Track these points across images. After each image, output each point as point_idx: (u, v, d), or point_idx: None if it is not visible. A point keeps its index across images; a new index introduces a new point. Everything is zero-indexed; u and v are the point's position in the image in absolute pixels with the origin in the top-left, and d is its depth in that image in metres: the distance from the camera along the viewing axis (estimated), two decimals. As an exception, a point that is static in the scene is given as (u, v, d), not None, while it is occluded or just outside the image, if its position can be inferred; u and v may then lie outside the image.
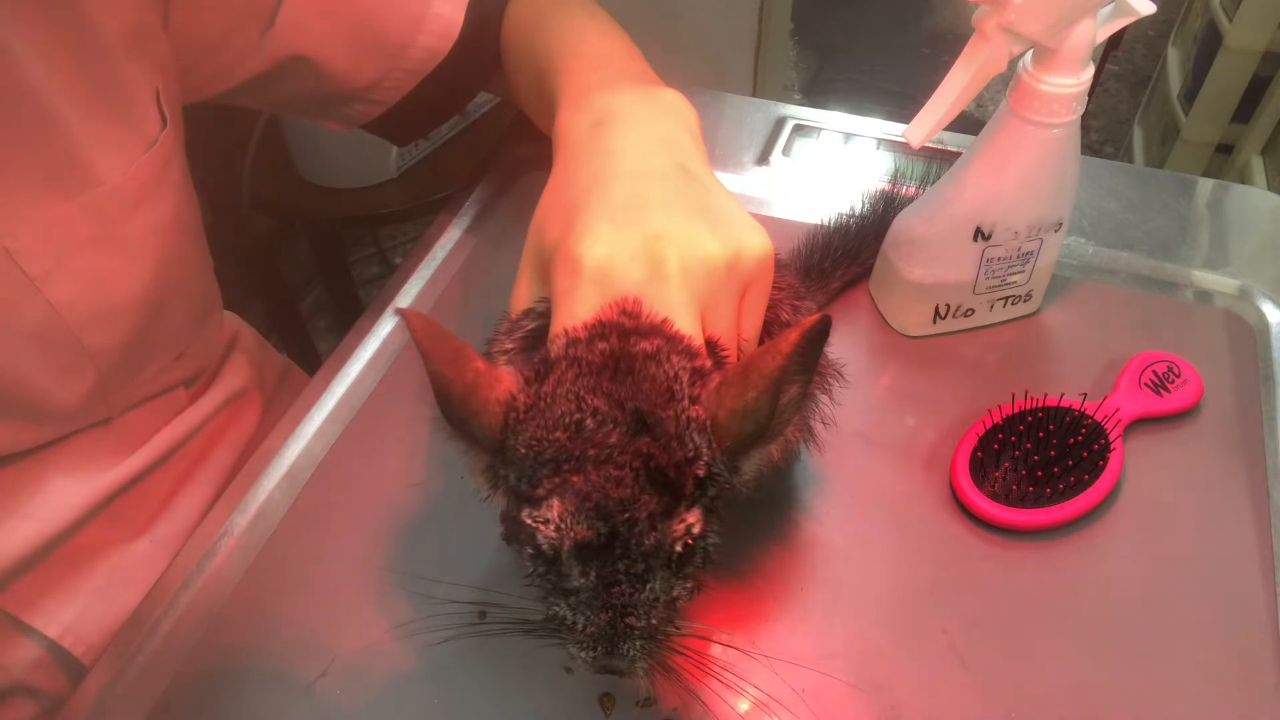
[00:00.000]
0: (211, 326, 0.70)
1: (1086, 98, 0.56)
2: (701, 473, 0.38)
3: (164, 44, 0.57)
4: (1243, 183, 1.17)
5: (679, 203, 0.44)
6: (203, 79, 0.62)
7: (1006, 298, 0.66)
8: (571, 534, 0.37)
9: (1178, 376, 0.62)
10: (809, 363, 0.38)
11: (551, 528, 0.37)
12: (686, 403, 0.39)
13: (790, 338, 0.37)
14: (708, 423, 0.39)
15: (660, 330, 0.41)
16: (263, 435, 0.72)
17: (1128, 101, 2.41)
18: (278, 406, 0.78)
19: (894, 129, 0.82)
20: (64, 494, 0.59)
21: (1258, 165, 1.55)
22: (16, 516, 0.57)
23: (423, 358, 0.39)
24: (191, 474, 0.68)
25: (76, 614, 0.60)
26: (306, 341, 1.63)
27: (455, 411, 0.39)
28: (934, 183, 0.64)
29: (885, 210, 0.69)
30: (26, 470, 0.57)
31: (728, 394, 0.39)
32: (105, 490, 0.61)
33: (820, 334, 0.37)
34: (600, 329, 0.41)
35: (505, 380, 0.40)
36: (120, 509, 0.63)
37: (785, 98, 2.00)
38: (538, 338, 0.46)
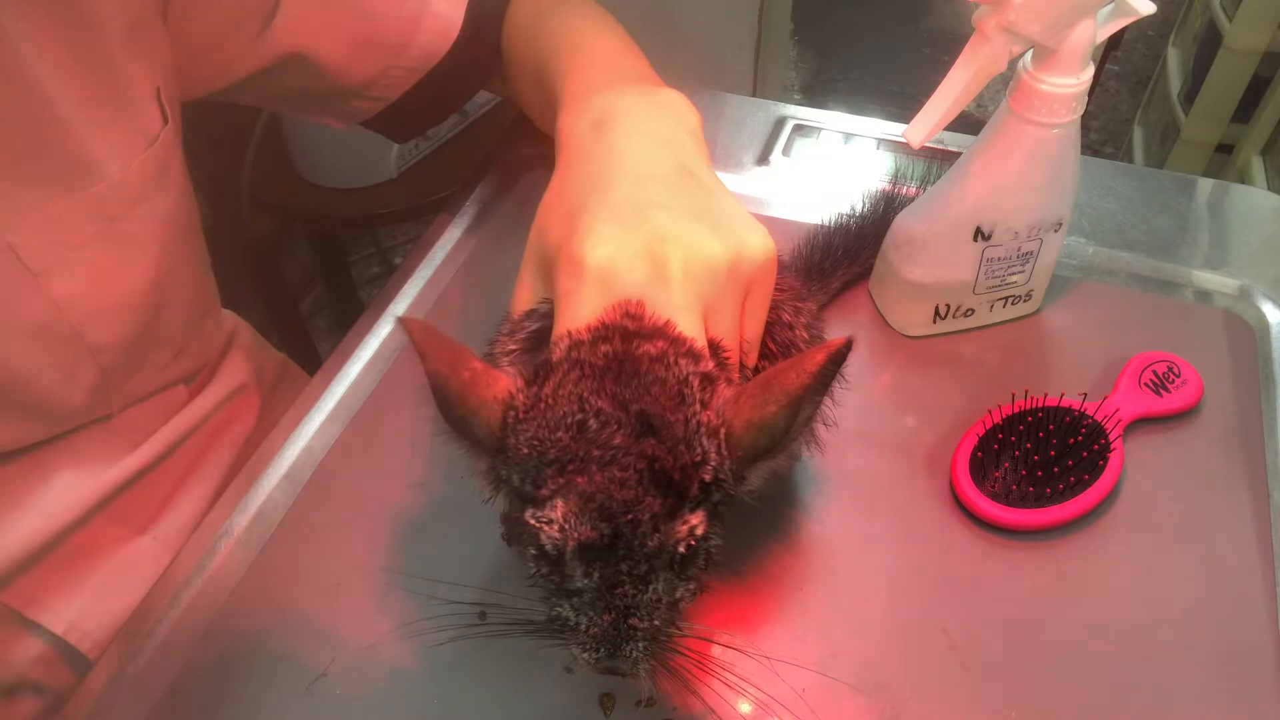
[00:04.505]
0: (210, 324, 0.70)
1: (1086, 98, 0.56)
2: (708, 477, 0.38)
3: (164, 41, 0.57)
4: (1243, 183, 1.17)
5: (681, 204, 0.45)
6: (202, 76, 0.62)
7: (1006, 298, 0.66)
8: (575, 534, 0.37)
9: (1178, 376, 0.62)
10: (828, 383, 0.38)
11: (555, 528, 0.37)
12: (697, 407, 0.39)
13: (816, 357, 0.37)
14: (720, 429, 0.39)
15: (663, 332, 0.41)
16: (261, 432, 0.73)
17: (1128, 101, 2.42)
18: (276, 403, 0.78)
19: (894, 129, 0.82)
20: (67, 490, 0.59)
21: (1258, 165, 1.55)
22: (20, 512, 0.57)
23: (420, 358, 0.39)
24: (192, 471, 0.69)
25: (80, 610, 0.60)
26: (306, 341, 1.63)
27: (453, 410, 0.39)
28: (934, 183, 0.64)
29: (885, 210, 0.69)
30: (30, 467, 0.57)
31: (746, 405, 0.39)
32: (107, 487, 0.61)
33: (843, 356, 0.37)
34: (603, 331, 0.41)
35: (504, 380, 0.40)
36: (122, 505, 0.63)
37: (785, 98, 2.00)
38: (540, 339, 0.46)
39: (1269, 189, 1.44)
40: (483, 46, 0.69)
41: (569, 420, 0.38)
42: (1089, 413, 0.58)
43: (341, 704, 0.50)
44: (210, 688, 0.51)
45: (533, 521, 0.38)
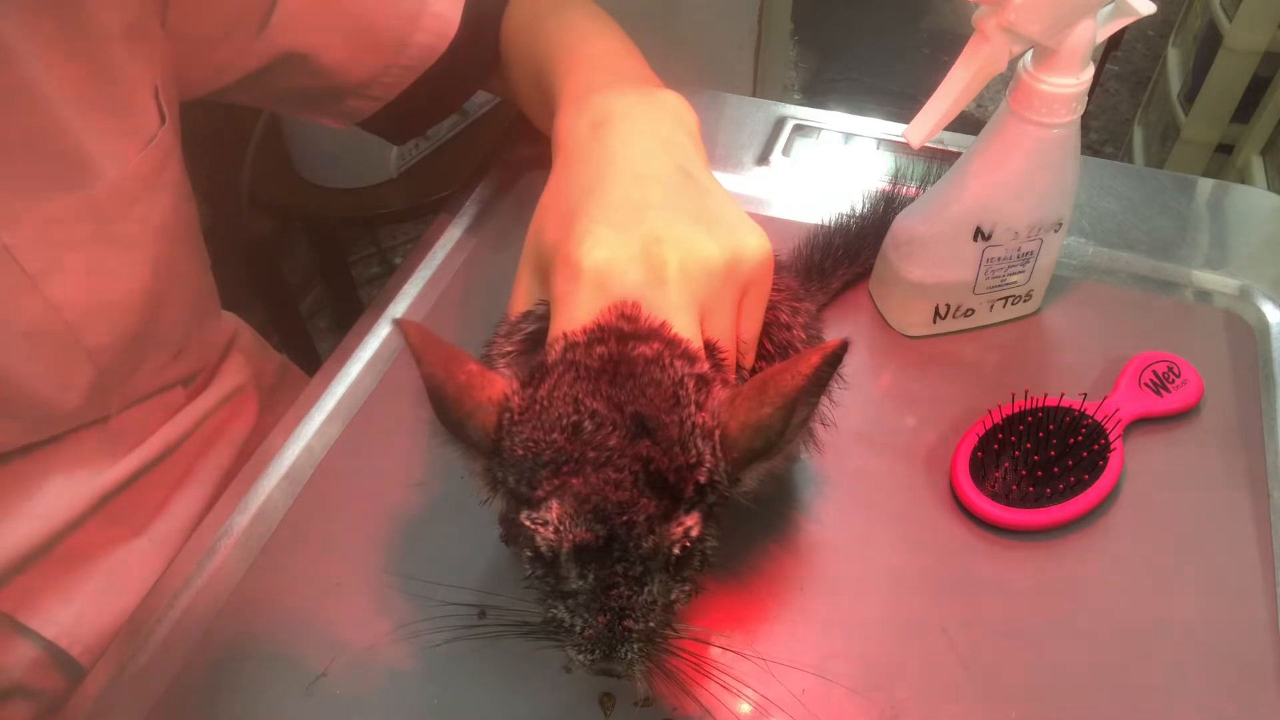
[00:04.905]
0: (209, 326, 0.70)
1: (1086, 98, 0.56)
2: (703, 479, 0.38)
3: (162, 41, 0.57)
4: (1243, 183, 1.17)
5: (678, 205, 0.44)
6: (200, 75, 0.62)
7: (1006, 298, 0.66)
8: (570, 536, 0.37)
9: (1178, 376, 0.62)
10: (823, 384, 0.38)
11: (550, 530, 0.37)
12: (693, 409, 0.39)
13: (812, 359, 0.37)
14: (716, 431, 0.39)
15: (659, 334, 0.41)
16: (260, 434, 0.72)
17: (1128, 101, 2.41)
18: (276, 405, 0.78)
19: (894, 129, 0.82)
20: (62, 493, 0.59)
21: (1258, 165, 1.55)
22: (15, 515, 0.57)
23: (416, 361, 0.39)
24: (189, 473, 0.68)
25: (75, 615, 0.60)
26: (306, 341, 1.63)
27: (449, 413, 0.39)
28: (934, 183, 0.64)
29: (885, 210, 0.69)
30: (25, 469, 0.57)
31: (741, 407, 0.39)
32: (103, 489, 0.61)
33: (839, 358, 0.37)
34: (599, 333, 0.41)
35: (499, 382, 0.40)
36: (118, 508, 0.63)
37: (785, 98, 2.00)
38: (537, 340, 0.46)
39: (1269, 189, 1.44)
40: (481, 46, 0.69)
41: (564, 422, 0.38)
42: (1089, 413, 0.58)
43: (341, 704, 0.50)
44: (210, 688, 0.51)
45: (528, 523, 0.38)
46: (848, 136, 0.82)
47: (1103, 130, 2.34)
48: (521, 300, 0.48)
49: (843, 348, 0.37)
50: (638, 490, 0.37)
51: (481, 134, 1.43)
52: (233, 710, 0.50)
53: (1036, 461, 0.57)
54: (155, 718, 0.51)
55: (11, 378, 0.53)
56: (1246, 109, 1.58)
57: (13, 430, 0.55)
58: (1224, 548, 0.56)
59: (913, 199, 0.66)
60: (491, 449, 0.39)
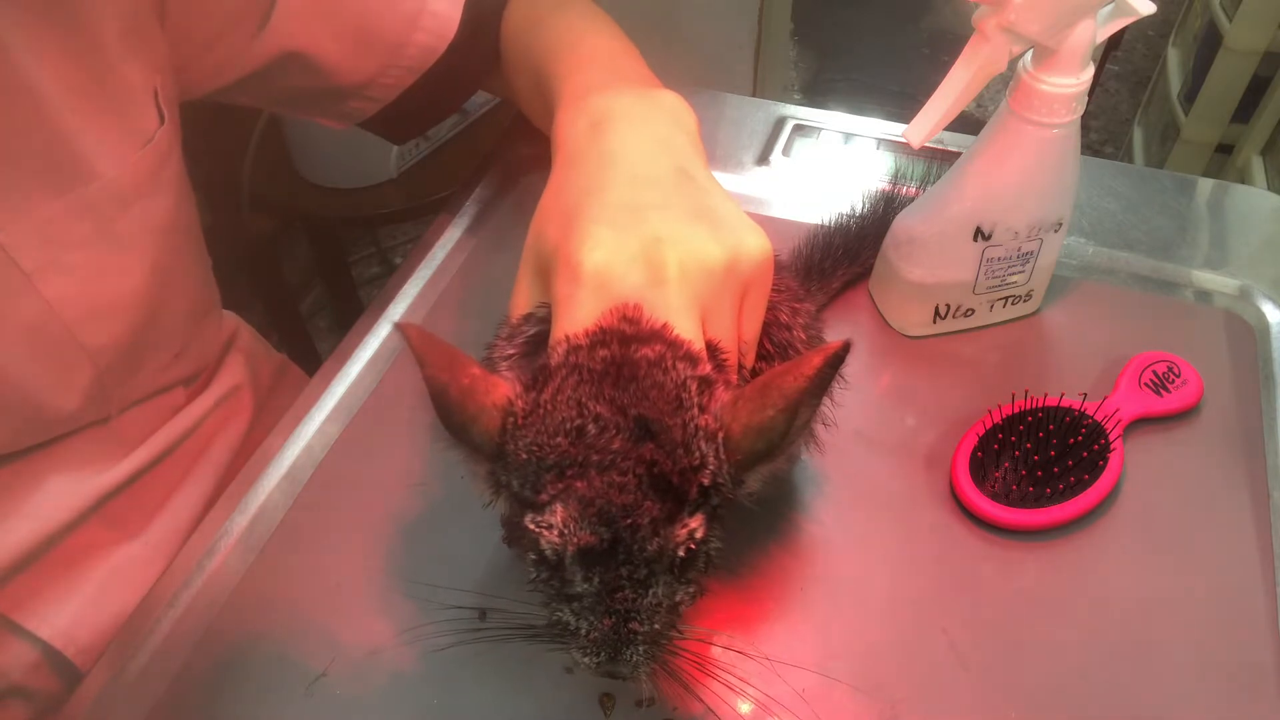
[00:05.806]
0: (209, 326, 0.70)
1: (1086, 98, 0.56)
2: (707, 481, 0.38)
3: (161, 41, 0.57)
4: (1243, 183, 1.17)
5: (677, 205, 0.44)
6: (199, 75, 0.62)
7: (1006, 298, 0.66)
8: (574, 539, 0.37)
9: (1178, 376, 0.62)
10: (825, 386, 0.38)
11: (555, 533, 0.37)
12: (695, 411, 0.39)
13: (814, 361, 0.37)
14: (718, 433, 0.39)
15: (661, 336, 0.41)
16: (256, 433, 0.72)
17: (1128, 101, 2.41)
18: (274, 404, 0.78)
19: (894, 129, 0.82)
20: (61, 494, 0.59)
21: (1258, 165, 1.55)
22: (14, 516, 0.57)
23: (419, 364, 0.39)
24: (186, 475, 0.68)
25: (71, 617, 0.60)
26: (306, 341, 1.63)
27: (452, 416, 0.39)
28: (934, 183, 0.64)
29: (885, 210, 0.69)
30: (24, 470, 0.57)
31: (744, 409, 0.39)
32: (102, 490, 0.61)
33: (841, 360, 0.37)
34: (601, 335, 0.41)
35: (502, 386, 0.40)
36: (116, 510, 0.63)
37: (785, 98, 1.99)
38: (538, 343, 0.46)
39: (1269, 189, 1.44)
40: (480, 46, 0.69)
41: (567, 425, 0.38)
42: (1089, 413, 0.58)
43: (341, 705, 0.50)
44: (210, 688, 0.51)
45: (532, 526, 0.38)
46: (848, 136, 0.82)
47: (1103, 130, 2.35)
48: (522, 302, 0.48)
49: (845, 349, 0.37)
50: (642, 493, 0.37)
51: (481, 134, 1.43)
52: (233, 710, 0.50)
53: (1036, 461, 0.57)
54: (155, 718, 0.50)
55: (9, 378, 0.53)
56: (1246, 109, 1.58)
57: (12, 430, 0.55)
58: (1224, 548, 0.56)
59: (913, 199, 0.66)
60: (495, 453, 0.39)
